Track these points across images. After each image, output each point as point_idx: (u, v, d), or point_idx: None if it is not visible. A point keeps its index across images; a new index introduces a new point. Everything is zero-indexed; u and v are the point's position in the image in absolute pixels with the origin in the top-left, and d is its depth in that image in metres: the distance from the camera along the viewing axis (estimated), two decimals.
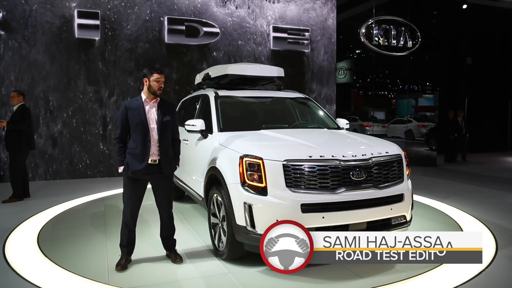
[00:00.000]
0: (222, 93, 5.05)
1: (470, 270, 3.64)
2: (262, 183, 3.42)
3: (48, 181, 8.29)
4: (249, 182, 3.47)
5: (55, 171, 8.51)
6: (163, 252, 4.00)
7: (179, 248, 4.15)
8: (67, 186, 7.75)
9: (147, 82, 3.68)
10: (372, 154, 3.68)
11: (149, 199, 3.99)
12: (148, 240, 4.43)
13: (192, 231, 4.87)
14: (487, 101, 15.42)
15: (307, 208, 3.35)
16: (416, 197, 6.67)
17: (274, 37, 10.02)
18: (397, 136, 14.74)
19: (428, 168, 10.85)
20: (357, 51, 17.04)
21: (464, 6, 14.95)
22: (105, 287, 3.33)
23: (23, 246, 4.31)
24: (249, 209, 3.42)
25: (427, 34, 12.84)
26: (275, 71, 5.51)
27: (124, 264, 3.69)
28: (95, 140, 8.70)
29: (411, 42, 11.65)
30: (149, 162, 3.64)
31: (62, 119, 8.51)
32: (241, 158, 3.54)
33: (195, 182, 4.85)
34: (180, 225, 5.11)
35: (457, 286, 3.38)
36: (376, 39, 11.52)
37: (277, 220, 3.33)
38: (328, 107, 10.69)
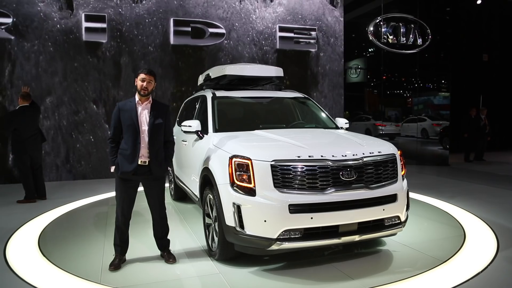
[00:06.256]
0: (219, 93, 5.07)
1: (468, 271, 3.57)
2: (250, 183, 3.42)
3: (54, 182, 8.45)
4: (238, 183, 3.46)
5: (62, 172, 8.69)
6: (158, 252, 4.03)
7: (176, 247, 4.20)
8: (74, 187, 7.91)
9: (136, 82, 3.72)
10: (363, 153, 3.63)
11: None
12: (146, 241, 4.46)
13: (190, 231, 4.90)
14: (503, 99, 15.05)
15: (295, 208, 3.33)
16: (421, 197, 6.58)
17: (280, 37, 9.99)
18: (411, 135, 14.51)
19: (441, 168, 10.66)
20: (369, 50, 16.82)
21: (479, 1, 14.65)
22: (96, 286, 3.38)
23: (23, 246, 4.41)
24: (237, 209, 3.42)
25: (441, 31, 12.59)
26: (274, 71, 5.50)
27: (117, 264, 3.73)
28: (102, 142, 8.82)
29: (421, 40, 11.42)
30: (139, 163, 3.66)
31: (70, 120, 8.67)
32: (231, 158, 3.54)
33: (192, 182, 4.88)
34: (179, 225, 5.17)
35: (454, 287, 3.30)
36: (385, 37, 11.35)
37: (265, 221, 3.33)
38: (336, 107, 10.60)
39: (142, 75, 3.69)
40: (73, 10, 8.56)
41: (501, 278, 3.50)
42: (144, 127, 3.70)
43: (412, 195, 6.45)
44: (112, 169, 3.73)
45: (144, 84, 3.67)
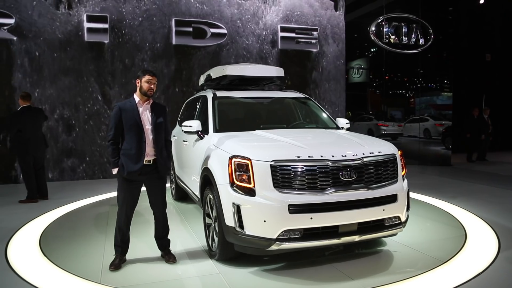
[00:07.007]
0: (220, 94, 5.08)
1: (468, 271, 3.56)
2: (250, 183, 3.41)
3: (55, 183, 8.48)
4: (238, 183, 3.46)
5: (64, 172, 8.72)
6: (158, 252, 4.03)
7: (177, 247, 4.21)
8: (75, 187, 7.93)
9: (139, 83, 3.74)
10: (363, 154, 3.62)
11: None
12: (146, 241, 4.45)
13: (191, 232, 4.91)
14: (506, 99, 14.97)
15: (294, 209, 3.32)
16: (422, 197, 6.57)
17: (282, 37, 10.00)
18: (413, 135, 14.47)
19: (443, 168, 10.62)
20: (372, 50, 16.80)
21: (481, 1, 14.58)
22: (96, 286, 3.39)
23: (24, 246, 4.42)
24: (237, 209, 3.41)
25: (443, 30, 12.55)
26: (274, 71, 5.50)
27: (117, 264, 3.74)
28: (104, 142, 8.84)
29: (423, 40, 11.39)
30: (144, 162, 3.69)
31: (72, 121, 8.70)
32: (230, 158, 3.54)
33: (193, 182, 4.89)
34: (180, 225, 5.18)
35: (455, 287, 3.28)
36: (387, 37, 11.32)
37: (264, 221, 3.32)
38: (338, 107, 10.59)
39: (148, 77, 3.71)
40: (75, 10, 8.58)
41: (502, 279, 3.48)
42: (148, 126, 3.73)
43: (413, 195, 6.44)
44: (115, 171, 3.73)
45: (152, 86, 3.72)
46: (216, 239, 3.83)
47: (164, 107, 3.93)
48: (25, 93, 6.59)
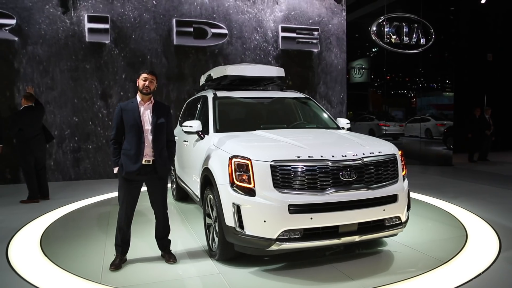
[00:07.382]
0: (220, 94, 5.08)
1: (469, 271, 3.56)
2: (250, 183, 3.41)
3: (57, 183, 8.50)
4: (238, 183, 3.46)
5: (66, 172, 8.73)
6: (159, 252, 4.03)
7: (178, 248, 4.21)
8: (77, 187, 7.95)
9: (138, 81, 3.75)
10: (363, 154, 3.62)
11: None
12: (147, 241, 4.45)
13: (192, 232, 4.91)
14: (508, 99, 14.94)
15: (295, 209, 3.32)
16: (423, 197, 6.56)
17: (283, 37, 9.99)
18: (415, 135, 14.46)
19: (445, 168, 10.61)
20: (373, 50, 16.80)
21: (483, 1, 14.56)
22: (96, 286, 3.39)
23: (25, 246, 4.43)
24: (237, 209, 3.42)
25: (445, 30, 12.54)
26: (275, 71, 5.50)
27: (118, 263, 3.75)
28: (103, 142, 8.85)
29: (424, 40, 11.38)
30: (143, 163, 3.69)
31: (73, 121, 8.71)
32: (230, 158, 3.55)
33: (193, 183, 4.89)
34: (181, 226, 5.18)
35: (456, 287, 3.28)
36: (388, 37, 11.32)
37: (264, 221, 3.33)
38: (339, 107, 10.59)
39: (144, 75, 3.73)
40: (76, 11, 8.59)
41: (502, 279, 3.47)
42: (148, 126, 3.73)
43: (414, 195, 6.43)
44: (116, 170, 3.75)
45: (147, 83, 3.71)
46: (216, 239, 3.83)
47: (167, 107, 3.91)
48: (28, 94, 6.61)
